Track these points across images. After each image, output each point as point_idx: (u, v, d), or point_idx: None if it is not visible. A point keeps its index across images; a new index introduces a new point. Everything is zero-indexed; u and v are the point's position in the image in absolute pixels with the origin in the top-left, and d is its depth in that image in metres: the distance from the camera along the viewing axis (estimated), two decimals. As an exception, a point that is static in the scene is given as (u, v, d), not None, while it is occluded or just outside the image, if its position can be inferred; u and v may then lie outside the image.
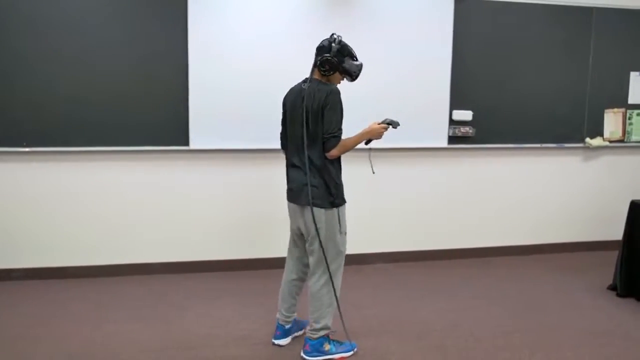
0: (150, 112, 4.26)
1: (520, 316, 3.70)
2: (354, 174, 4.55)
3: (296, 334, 3.34)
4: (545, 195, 5.16)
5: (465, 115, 4.73)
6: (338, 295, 3.04)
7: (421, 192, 4.89)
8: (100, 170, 4.34)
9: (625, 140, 5.13)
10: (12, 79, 4.06)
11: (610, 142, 5.09)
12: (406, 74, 4.57)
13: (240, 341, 3.28)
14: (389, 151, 4.74)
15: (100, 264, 4.42)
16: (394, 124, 2.96)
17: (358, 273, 4.60)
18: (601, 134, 5.07)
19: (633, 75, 5.06)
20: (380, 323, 3.57)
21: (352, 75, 2.96)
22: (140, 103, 4.24)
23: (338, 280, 3.05)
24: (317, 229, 2.89)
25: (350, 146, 2.90)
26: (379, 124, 2.97)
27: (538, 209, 5.16)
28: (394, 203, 4.85)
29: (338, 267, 3.04)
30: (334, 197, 2.92)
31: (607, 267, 4.38)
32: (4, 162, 4.20)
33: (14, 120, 4.09)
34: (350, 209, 4.66)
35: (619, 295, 4.06)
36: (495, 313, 3.75)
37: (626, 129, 5.11)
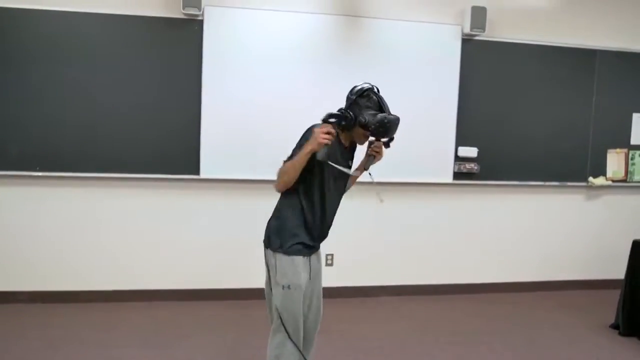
0: (162, 141, 4.34)
1: (523, 353, 3.70)
2: (357, 206, 4.58)
3: None
4: (548, 232, 5.19)
5: (471, 152, 4.80)
6: None
7: (426, 227, 4.92)
8: (111, 197, 4.40)
9: (627, 180, 5.19)
10: (27, 106, 4.15)
11: (613, 181, 5.15)
12: (414, 112, 4.60)
13: (245, 370, 3.28)
14: (396, 185, 4.79)
15: (105, 289, 4.45)
16: (336, 118, 2.40)
17: (363, 306, 4.60)
18: (604, 174, 5.13)
19: (635, 116, 5.13)
20: (385, 356, 3.57)
21: (369, 128, 2.47)
22: (152, 131, 4.32)
23: (274, 351, 2.57)
24: (267, 269, 2.65)
25: (289, 169, 2.46)
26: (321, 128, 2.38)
27: (541, 246, 5.19)
28: (398, 236, 4.89)
29: (277, 328, 2.58)
30: (270, 238, 2.61)
31: (609, 306, 4.38)
32: (17, 185, 4.27)
33: (28, 145, 4.17)
34: (354, 242, 4.71)
35: (621, 334, 4.06)
36: (498, 349, 3.75)
37: (629, 169, 5.17)
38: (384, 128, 2.46)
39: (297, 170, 2.45)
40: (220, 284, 4.62)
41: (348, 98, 2.54)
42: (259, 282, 4.41)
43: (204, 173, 4.41)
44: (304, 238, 2.58)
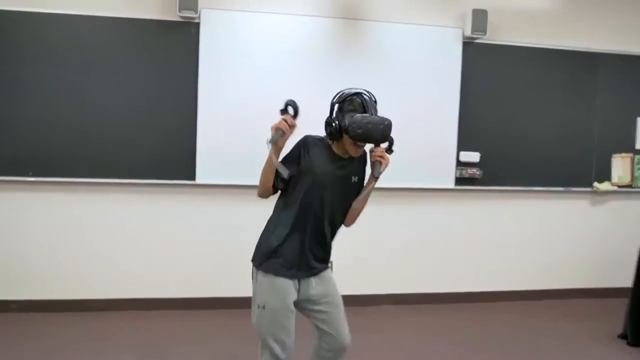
0: (157, 145, 4.28)
1: (528, 363, 3.62)
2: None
3: None
4: (552, 239, 5.11)
5: (473, 156, 4.74)
6: None
7: (427, 233, 4.85)
8: (105, 202, 4.33)
9: (633, 185, 5.12)
10: (20, 108, 4.10)
11: (619, 187, 5.08)
12: (415, 116, 4.57)
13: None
14: (396, 191, 4.71)
15: (99, 298, 4.36)
16: (290, 106, 2.31)
17: (363, 314, 4.51)
18: (609, 179, 5.05)
19: (640, 120, 5.09)
20: (385, 366, 3.48)
21: (347, 131, 2.27)
22: (147, 135, 4.27)
23: None
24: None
25: (263, 169, 2.36)
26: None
27: (545, 253, 5.10)
28: (399, 244, 4.81)
29: (260, 346, 2.42)
30: (254, 253, 2.49)
31: (616, 315, 4.28)
32: (10, 190, 4.19)
33: (21, 149, 4.11)
34: (353, 250, 4.61)
35: (630, 344, 3.96)
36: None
37: (634, 174, 5.10)
38: (364, 129, 2.23)
39: (268, 169, 2.34)
40: (218, 293, 4.52)
41: (331, 104, 2.41)
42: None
43: (200, 178, 4.34)
44: (289, 257, 2.39)
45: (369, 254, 4.72)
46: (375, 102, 2.42)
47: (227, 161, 4.34)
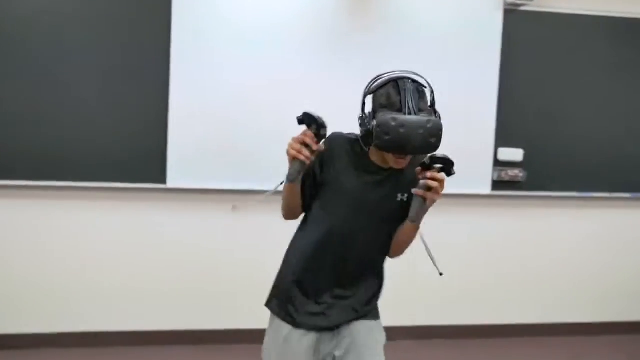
0: (119, 141, 3.83)
1: None
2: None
3: None
4: (617, 259, 4.58)
5: (515, 154, 4.29)
6: None
7: (455, 251, 4.33)
8: (53, 210, 3.84)
9: None
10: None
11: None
12: (442, 103, 3.93)
13: None
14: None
15: (43, 332, 3.84)
16: (310, 119, 1.80)
17: None
18: (689, 183, 4.55)
19: None
20: None
21: (374, 140, 1.77)
22: (107, 129, 3.81)
23: None
24: None
25: (284, 192, 2.00)
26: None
27: (606, 277, 4.57)
28: (419, 264, 4.12)
29: None
30: (271, 291, 2.11)
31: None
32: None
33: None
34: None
35: None
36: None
37: None
38: (393, 135, 1.68)
39: (290, 192, 1.94)
40: (200, 325, 4.06)
41: (363, 95, 1.92)
42: (247, 321, 3.85)
43: (172, 181, 3.87)
44: (305, 299, 1.99)
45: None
46: (431, 92, 1.93)
47: (205, 161, 3.90)
